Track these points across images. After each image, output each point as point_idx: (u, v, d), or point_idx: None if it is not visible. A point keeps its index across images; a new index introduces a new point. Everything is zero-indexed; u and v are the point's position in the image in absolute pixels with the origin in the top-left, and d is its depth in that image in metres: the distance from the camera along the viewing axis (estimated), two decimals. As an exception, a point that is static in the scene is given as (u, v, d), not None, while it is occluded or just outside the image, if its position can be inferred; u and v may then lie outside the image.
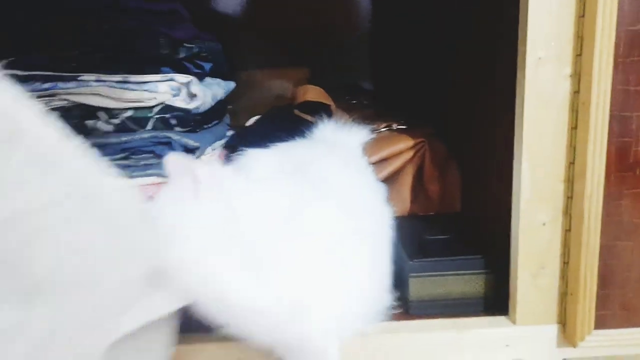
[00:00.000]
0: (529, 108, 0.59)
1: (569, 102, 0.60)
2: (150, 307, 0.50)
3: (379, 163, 0.86)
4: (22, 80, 0.79)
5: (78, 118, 0.81)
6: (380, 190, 0.80)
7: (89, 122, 0.81)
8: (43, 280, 0.43)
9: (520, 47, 0.60)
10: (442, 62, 1.00)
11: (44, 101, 0.80)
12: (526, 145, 0.61)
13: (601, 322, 0.63)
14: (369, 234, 0.64)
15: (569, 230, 0.62)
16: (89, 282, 0.45)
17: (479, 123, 0.83)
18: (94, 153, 0.46)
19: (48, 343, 0.43)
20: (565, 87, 0.59)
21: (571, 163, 0.61)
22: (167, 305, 0.51)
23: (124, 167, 0.83)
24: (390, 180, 0.88)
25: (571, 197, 0.61)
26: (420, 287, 0.71)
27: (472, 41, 0.84)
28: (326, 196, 0.62)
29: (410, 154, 0.87)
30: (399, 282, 0.71)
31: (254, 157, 0.75)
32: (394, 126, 0.93)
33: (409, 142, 0.86)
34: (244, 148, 0.82)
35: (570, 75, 0.59)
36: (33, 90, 0.79)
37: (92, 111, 0.81)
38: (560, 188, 0.62)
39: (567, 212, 0.62)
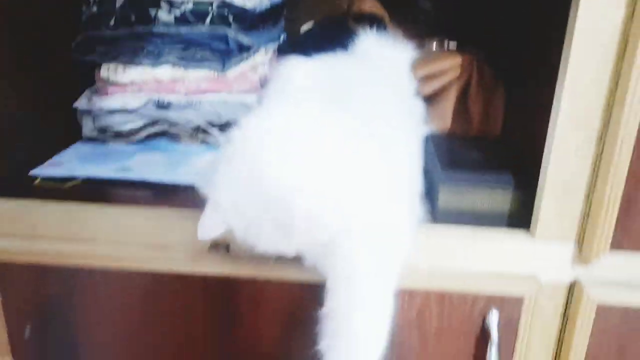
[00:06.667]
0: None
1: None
2: None
3: (425, 79, 0.88)
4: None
5: (142, 5, 0.86)
6: (417, 105, 0.82)
7: (152, 11, 0.85)
8: None
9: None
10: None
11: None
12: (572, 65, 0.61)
13: (617, 245, 0.66)
14: (398, 150, 0.66)
15: (601, 154, 0.64)
16: None
17: (529, 53, 0.83)
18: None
19: None
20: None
21: (612, 89, 0.61)
22: None
23: (181, 58, 0.88)
24: (434, 97, 0.89)
25: (607, 123, 0.62)
26: (449, 197, 0.74)
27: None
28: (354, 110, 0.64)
29: (458, 71, 0.87)
30: (429, 194, 0.74)
31: (294, 66, 0.77)
32: (446, 44, 0.94)
33: (458, 60, 0.87)
34: (291, 54, 0.84)
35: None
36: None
37: (155, 0, 0.85)
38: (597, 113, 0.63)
39: (601, 137, 0.63)
